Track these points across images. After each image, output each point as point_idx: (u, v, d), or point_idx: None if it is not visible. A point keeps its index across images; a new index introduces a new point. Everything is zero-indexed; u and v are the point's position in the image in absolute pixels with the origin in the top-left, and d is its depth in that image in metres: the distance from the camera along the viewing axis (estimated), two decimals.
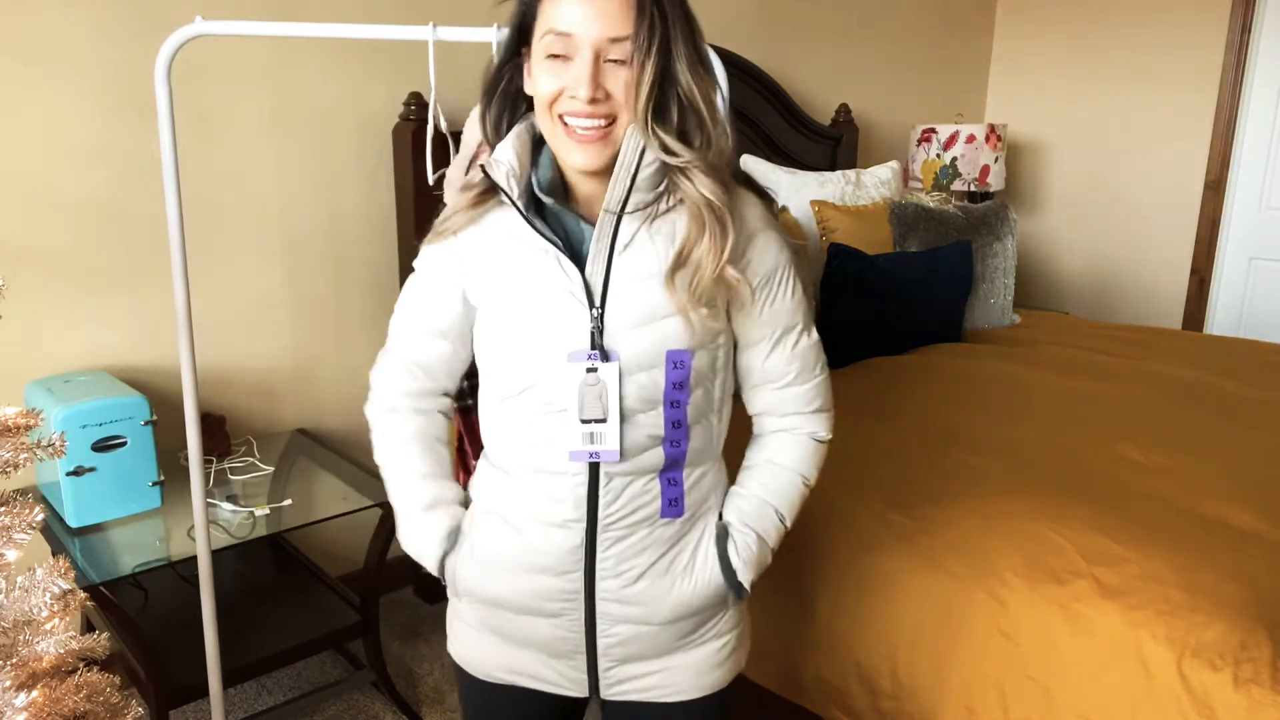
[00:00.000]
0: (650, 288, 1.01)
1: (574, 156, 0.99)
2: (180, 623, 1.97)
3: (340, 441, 2.39)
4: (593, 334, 1.00)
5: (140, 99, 2.04)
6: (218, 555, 1.67)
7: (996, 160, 3.51)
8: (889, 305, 2.55)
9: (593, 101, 0.95)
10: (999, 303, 3.00)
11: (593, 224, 1.02)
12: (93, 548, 1.76)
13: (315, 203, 2.34)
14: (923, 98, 3.91)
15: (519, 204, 1.01)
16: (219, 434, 2.14)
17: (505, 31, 1.04)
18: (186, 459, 1.79)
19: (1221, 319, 3.69)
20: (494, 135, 1.07)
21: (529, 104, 1.05)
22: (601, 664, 1.12)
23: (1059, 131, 4.00)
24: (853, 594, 1.64)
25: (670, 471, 1.07)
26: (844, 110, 3.42)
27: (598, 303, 1.00)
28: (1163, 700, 1.32)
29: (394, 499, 1.17)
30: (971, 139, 3.46)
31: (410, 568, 2.61)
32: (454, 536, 1.14)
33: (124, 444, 1.81)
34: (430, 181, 1.26)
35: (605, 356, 1.00)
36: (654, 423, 1.04)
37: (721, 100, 1.02)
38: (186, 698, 1.80)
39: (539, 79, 0.98)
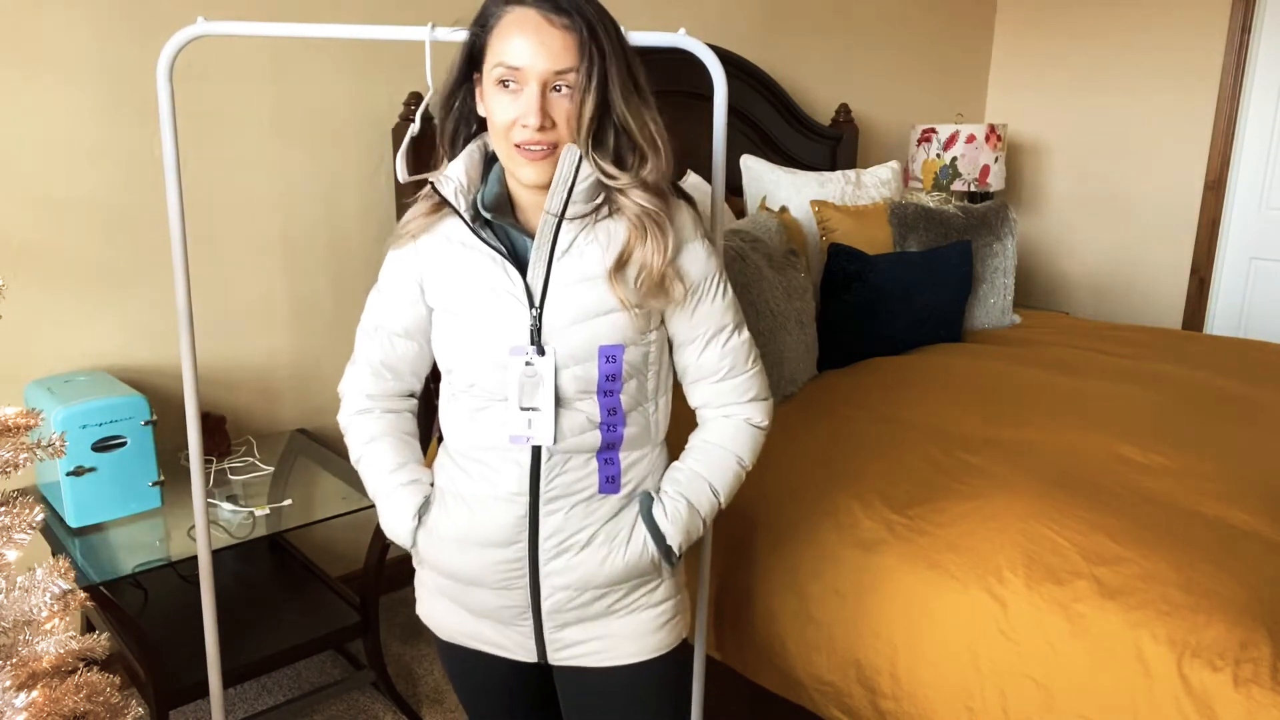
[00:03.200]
0: (586, 289, 1.11)
1: (525, 172, 1.08)
2: (180, 623, 1.97)
3: (340, 441, 2.39)
4: (532, 331, 1.11)
5: (141, 99, 2.04)
6: (218, 555, 1.67)
7: (996, 160, 3.51)
8: (889, 305, 2.55)
9: (541, 129, 1.04)
10: (999, 303, 3.00)
11: (532, 236, 1.12)
12: (93, 548, 1.76)
13: (315, 203, 2.34)
14: (923, 98, 3.91)
15: (465, 216, 1.12)
16: (219, 434, 2.14)
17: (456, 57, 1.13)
18: (186, 459, 1.79)
19: (1221, 319, 3.69)
20: (450, 150, 1.18)
21: (480, 123, 1.17)
22: (546, 629, 1.21)
23: (1059, 131, 4.00)
24: (853, 594, 1.64)
25: (607, 452, 1.17)
26: (844, 110, 3.42)
27: (537, 303, 1.11)
28: (1163, 700, 1.32)
29: (370, 488, 1.27)
30: (971, 139, 3.46)
31: (410, 568, 2.61)
32: (423, 512, 1.23)
33: (124, 444, 1.81)
34: (400, 180, 1.30)
35: (542, 351, 1.11)
36: (590, 409, 1.14)
37: (659, 120, 1.11)
38: (186, 698, 1.80)
39: (493, 107, 1.08)
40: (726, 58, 2.79)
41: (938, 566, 1.58)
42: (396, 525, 1.23)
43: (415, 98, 2.32)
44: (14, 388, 1.97)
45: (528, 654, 1.24)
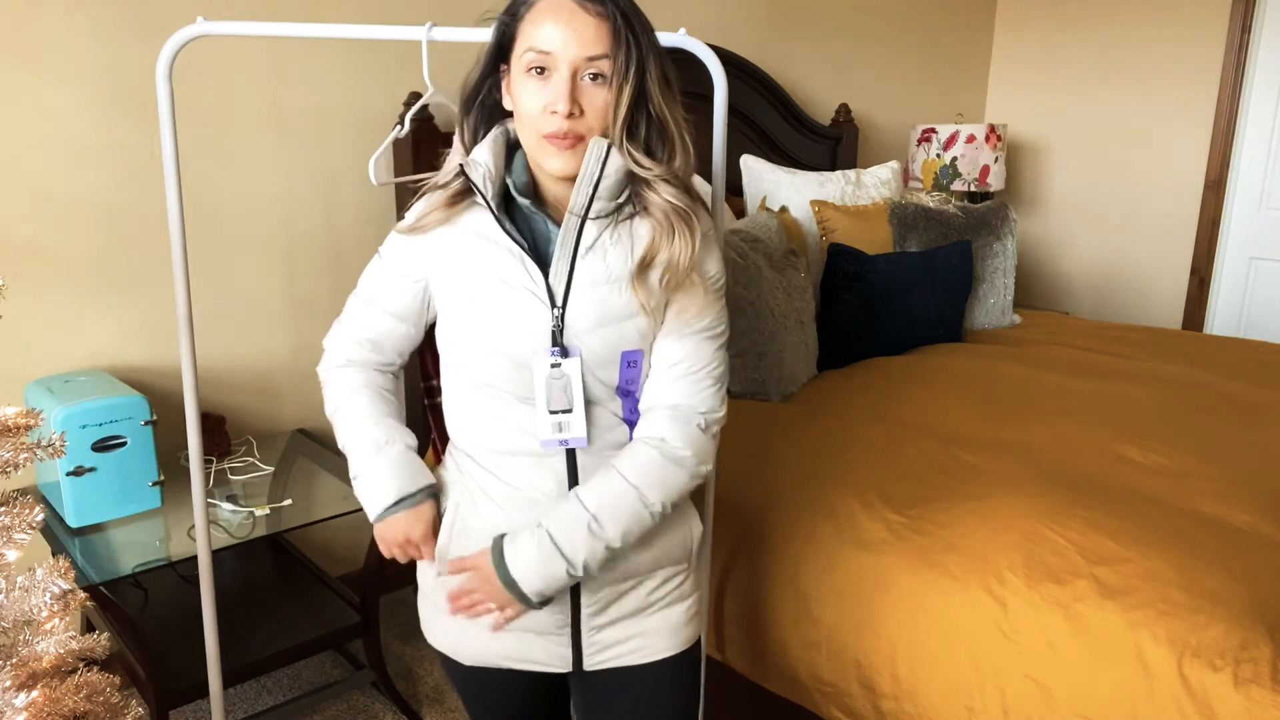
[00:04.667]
0: (609, 292, 1.09)
1: (553, 162, 1.05)
2: (180, 623, 1.97)
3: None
4: (554, 332, 1.08)
5: (141, 99, 2.04)
6: (218, 555, 1.67)
7: (996, 160, 3.51)
8: (889, 305, 2.55)
9: (570, 116, 1.02)
10: (999, 303, 3.00)
11: (560, 226, 1.09)
12: (93, 548, 1.76)
13: (315, 202, 2.34)
14: (923, 98, 3.91)
15: (492, 205, 1.08)
16: (219, 434, 2.14)
17: (487, 45, 1.11)
18: (186, 459, 1.79)
19: (1221, 319, 3.69)
20: (471, 143, 1.15)
21: (504, 116, 1.14)
22: (585, 634, 1.19)
23: (1059, 131, 4.00)
24: (853, 594, 1.64)
25: None
26: (844, 110, 3.42)
27: (559, 303, 1.08)
28: (1163, 700, 1.32)
29: (345, 444, 1.22)
30: (971, 139, 3.46)
31: (410, 567, 2.61)
32: (408, 482, 1.17)
33: (124, 444, 1.81)
34: (372, 176, 1.28)
35: (567, 352, 1.08)
36: (614, 405, 1.13)
37: (688, 119, 1.10)
38: (186, 698, 1.80)
39: (522, 96, 1.05)
40: (727, 58, 2.79)
41: (938, 566, 1.58)
42: (372, 499, 1.19)
43: (415, 97, 2.32)
44: (14, 388, 1.97)
45: (563, 664, 1.21)
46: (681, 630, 1.24)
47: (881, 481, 1.79)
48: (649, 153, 1.07)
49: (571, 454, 1.13)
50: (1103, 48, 3.83)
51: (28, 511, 1.05)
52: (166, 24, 2.02)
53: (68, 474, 1.76)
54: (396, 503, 1.17)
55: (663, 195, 1.07)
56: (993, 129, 3.48)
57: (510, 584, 1.09)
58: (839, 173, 3.03)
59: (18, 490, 1.45)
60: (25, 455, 1.05)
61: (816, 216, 2.75)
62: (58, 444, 1.09)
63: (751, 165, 2.98)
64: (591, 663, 1.22)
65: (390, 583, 2.62)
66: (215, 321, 2.23)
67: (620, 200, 1.08)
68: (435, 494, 1.21)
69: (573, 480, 1.13)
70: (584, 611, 1.18)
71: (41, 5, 1.90)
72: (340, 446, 1.23)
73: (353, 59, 2.33)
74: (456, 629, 1.22)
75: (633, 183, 1.08)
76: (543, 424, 1.10)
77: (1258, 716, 1.25)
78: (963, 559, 1.57)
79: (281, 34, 1.45)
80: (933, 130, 3.54)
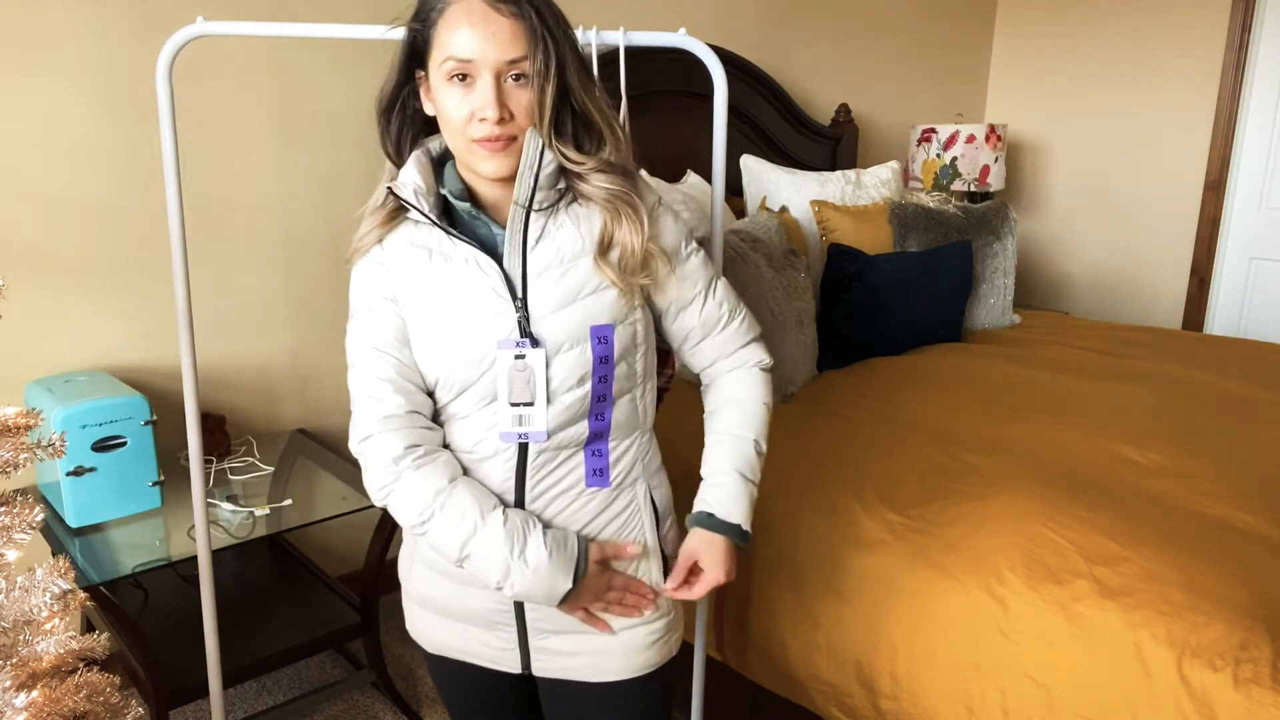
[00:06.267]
0: (566, 272, 1.08)
1: (486, 165, 1.05)
2: (180, 623, 1.97)
3: (340, 441, 2.39)
4: (519, 322, 1.07)
5: (141, 99, 2.04)
6: (218, 555, 1.67)
7: (996, 160, 3.51)
8: (889, 305, 2.55)
9: (500, 121, 1.02)
10: (999, 303, 2.99)
11: (504, 226, 1.09)
12: (93, 548, 1.76)
13: (315, 202, 2.34)
14: (923, 98, 3.91)
15: (432, 217, 1.09)
16: (219, 434, 2.14)
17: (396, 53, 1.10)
18: (186, 459, 1.79)
19: (1221, 319, 3.69)
20: (396, 155, 1.15)
21: (425, 122, 1.14)
22: (530, 636, 1.19)
23: (1059, 131, 4.00)
24: (853, 594, 1.64)
25: (594, 444, 1.14)
26: (844, 110, 3.42)
27: (519, 293, 1.08)
28: (1163, 700, 1.32)
29: (468, 550, 1.09)
30: (971, 139, 3.46)
31: None
32: (561, 543, 1.11)
33: (124, 444, 1.81)
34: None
35: (535, 342, 1.08)
36: (579, 399, 1.11)
37: (610, 102, 1.11)
38: (186, 698, 1.80)
39: (446, 104, 1.04)
40: (726, 58, 2.80)
41: (938, 566, 1.58)
42: (554, 587, 1.09)
43: None
44: (14, 388, 1.97)
45: (512, 664, 1.21)
46: (640, 654, 1.20)
47: (881, 481, 1.79)
48: (578, 146, 1.08)
49: (523, 454, 1.11)
50: (1103, 48, 3.83)
51: (28, 511, 1.05)
52: (166, 24, 2.02)
53: (68, 474, 1.76)
54: (573, 578, 1.11)
55: (596, 184, 1.08)
56: (993, 129, 3.48)
57: (732, 529, 1.19)
58: (839, 173, 3.03)
59: (18, 490, 1.45)
60: (25, 455, 1.05)
61: (816, 216, 2.75)
62: (58, 444, 1.09)
63: (751, 165, 2.98)
64: (540, 668, 1.20)
65: (390, 583, 2.61)
66: (215, 321, 2.23)
67: (560, 189, 1.09)
68: (563, 531, 1.14)
69: (520, 475, 1.11)
70: (529, 614, 1.17)
71: (41, 5, 1.90)
72: (447, 547, 1.10)
73: (352, 58, 2.33)
74: (422, 620, 1.25)
75: (566, 177, 1.09)
76: (503, 416, 1.09)
77: (1258, 716, 1.25)
78: (963, 559, 1.57)
79: (281, 34, 1.45)
80: (933, 130, 3.54)
